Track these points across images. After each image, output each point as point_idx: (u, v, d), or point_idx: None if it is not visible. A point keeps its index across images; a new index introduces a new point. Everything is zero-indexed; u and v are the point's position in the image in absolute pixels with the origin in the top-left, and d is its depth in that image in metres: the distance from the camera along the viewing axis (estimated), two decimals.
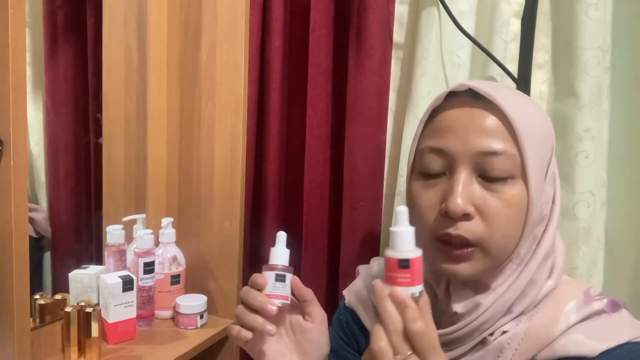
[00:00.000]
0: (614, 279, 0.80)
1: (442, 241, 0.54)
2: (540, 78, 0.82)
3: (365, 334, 0.68)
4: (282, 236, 0.58)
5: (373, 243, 0.93)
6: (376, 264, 0.71)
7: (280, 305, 0.55)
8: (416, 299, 0.47)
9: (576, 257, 0.78)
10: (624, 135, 0.78)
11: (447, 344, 0.57)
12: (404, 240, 0.47)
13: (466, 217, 0.52)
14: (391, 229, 0.48)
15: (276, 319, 0.57)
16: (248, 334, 0.54)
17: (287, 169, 1.03)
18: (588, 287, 0.56)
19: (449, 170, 0.54)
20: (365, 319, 0.67)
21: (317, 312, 0.59)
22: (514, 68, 0.82)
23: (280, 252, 0.57)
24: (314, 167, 0.96)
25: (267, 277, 0.56)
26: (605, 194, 0.79)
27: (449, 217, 0.52)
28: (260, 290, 0.56)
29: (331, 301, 0.98)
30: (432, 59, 0.84)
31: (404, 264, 0.46)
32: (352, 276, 0.74)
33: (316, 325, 0.59)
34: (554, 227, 0.57)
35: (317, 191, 0.97)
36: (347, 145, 0.92)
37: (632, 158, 0.77)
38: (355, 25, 0.90)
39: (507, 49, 0.81)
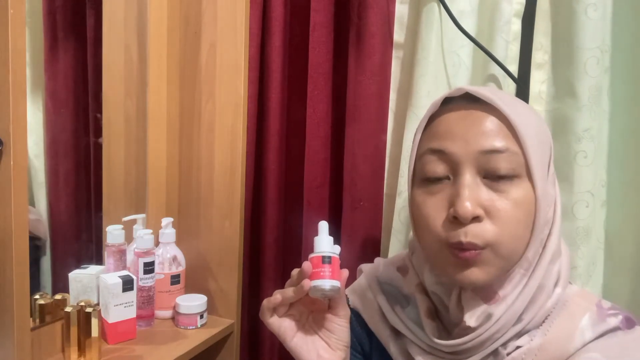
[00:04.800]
0: (613, 278, 0.80)
1: (453, 247, 0.53)
2: (539, 78, 0.82)
3: (370, 335, 0.67)
4: (323, 225, 0.59)
5: (373, 243, 0.93)
6: (382, 264, 0.70)
7: (329, 287, 0.55)
8: (335, 292, 0.55)
9: (575, 257, 0.78)
10: (623, 135, 0.78)
11: (457, 354, 0.56)
12: (325, 243, 0.57)
13: (476, 219, 0.51)
14: (314, 238, 0.58)
15: (314, 305, 0.58)
16: (276, 297, 0.56)
17: (287, 169, 1.03)
18: (598, 299, 0.56)
19: (452, 174, 0.53)
20: (370, 320, 0.66)
21: (340, 308, 0.58)
22: (516, 68, 0.82)
23: (323, 240, 0.58)
24: (314, 167, 0.96)
25: (314, 261, 0.56)
26: (605, 194, 0.79)
27: (457, 221, 0.51)
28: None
29: None
30: (432, 59, 0.84)
31: (327, 260, 0.55)
32: (353, 276, 0.74)
33: (337, 319, 0.58)
34: (557, 229, 0.56)
35: (317, 191, 0.97)
36: (347, 145, 0.92)
37: (631, 158, 0.78)
38: (355, 25, 0.90)
39: (508, 49, 0.82)
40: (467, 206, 0.50)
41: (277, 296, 0.56)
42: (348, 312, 0.59)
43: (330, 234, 0.98)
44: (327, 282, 0.54)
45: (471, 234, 0.51)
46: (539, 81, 0.82)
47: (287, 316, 0.58)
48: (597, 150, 0.77)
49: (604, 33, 0.75)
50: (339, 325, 0.58)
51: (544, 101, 0.82)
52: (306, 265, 0.55)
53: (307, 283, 0.54)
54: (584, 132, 0.76)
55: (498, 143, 0.51)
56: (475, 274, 0.52)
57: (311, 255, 0.56)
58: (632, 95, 0.77)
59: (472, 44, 0.83)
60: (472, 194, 0.51)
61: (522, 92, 0.81)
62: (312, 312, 0.60)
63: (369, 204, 0.92)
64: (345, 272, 0.57)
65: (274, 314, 0.58)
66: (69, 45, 0.98)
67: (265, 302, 0.57)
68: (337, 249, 0.64)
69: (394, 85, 0.91)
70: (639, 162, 0.77)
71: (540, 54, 0.82)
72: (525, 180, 0.52)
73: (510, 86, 0.83)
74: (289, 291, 0.56)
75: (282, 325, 0.58)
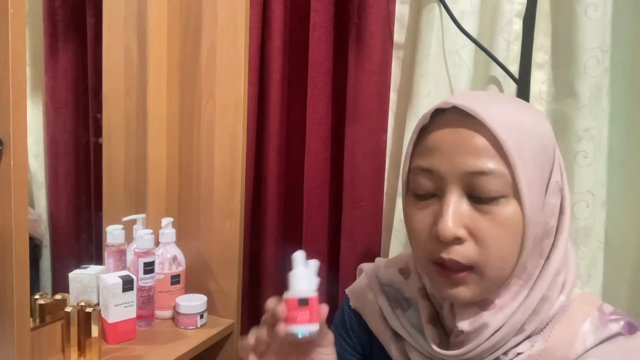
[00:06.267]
0: (613, 279, 0.80)
1: (438, 264, 0.52)
2: (539, 78, 0.82)
3: (370, 336, 0.67)
4: (299, 257, 0.53)
5: (374, 243, 0.93)
6: (383, 264, 0.68)
7: (308, 334, 0.50)
8: (313, 336, 0.50)
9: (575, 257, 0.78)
10: (623, 135, 0.78)
11: None
12: (302, 281, 0.51)
13: (458, 240, 0.50)
14: (289, 273, 0.52)
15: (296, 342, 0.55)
16: (250, 339, 0.53)
17: (287, 169, 1.03)
18: (600, 303, 0.55)
19: (439, 192, 0.53)
20: (371, 321, 0.65)
21: (322, 338, 0.55)
22: (517, 68, 0.82)
23: (299, 277, 0.52)
24: (314, 167, 0.96)
25: (289, 304, 0.51)
26: (605, 194, 0.79)
27: (441, 240, 0.51)
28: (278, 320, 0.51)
29: (331, 301, 0.97)
30: (432, 59, 0.84)
31: (304, 302, 0.50)
32: (353, 276, 0.74)
33: (321, 349, 0.56)
34: (564, 239, 0.55)
35: (317, 191, 0.97)
36: (347, 145, 0.92)
37: (631, 158, 0.78)
38: (356, 25, 0.90)
39: (509, 49, 0.82)
40: (449, 227, 0.49)
41: (251, 339, 0.53)
42: (331, 339, 0.57)
43: (331, 233, 0.99)
44: (305, 328, 0.50)
45: (454, 252, 0.50)
46: (539, 81, 0.82)
47: (269, 353, 0.55)
48: (597, 150, 0.77)
49: (604, 33, 0.75)
50: (325, 355, 0.56)
51: (544, 101, 0.82)
52: (281, 309, 0.50)
53: (282, 328, 0.50)
54: (584, 132, 0.76)
55: (484, 165, 0.50)
56: (461, 292, 0.52)
57: (286, 296, 0.51)
58: (632, 95, 0.77)
59: (473, 44, 0.83)
60: (456, 214, 0.50)
61: (523, 92, 0.81)
62: (296, 344, 0.56)
63: (369, 203, 0.92)
64: (325, 309, 0.53)
65: (253, 353, 0.54)
66: (69, 45, 0.98)
67: (242, 343, 0.54)
68: (314, 280, 0.56)
69: (394, 85, 0.91)
70: (639, 162, 0.77)
71: (541, 54, 0.82)
72: (513, 199, 0.50)
73: (511, 86, 0.83)
74: (263, 333, 0.52)
75: None
